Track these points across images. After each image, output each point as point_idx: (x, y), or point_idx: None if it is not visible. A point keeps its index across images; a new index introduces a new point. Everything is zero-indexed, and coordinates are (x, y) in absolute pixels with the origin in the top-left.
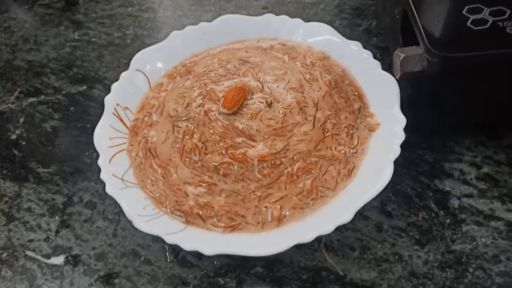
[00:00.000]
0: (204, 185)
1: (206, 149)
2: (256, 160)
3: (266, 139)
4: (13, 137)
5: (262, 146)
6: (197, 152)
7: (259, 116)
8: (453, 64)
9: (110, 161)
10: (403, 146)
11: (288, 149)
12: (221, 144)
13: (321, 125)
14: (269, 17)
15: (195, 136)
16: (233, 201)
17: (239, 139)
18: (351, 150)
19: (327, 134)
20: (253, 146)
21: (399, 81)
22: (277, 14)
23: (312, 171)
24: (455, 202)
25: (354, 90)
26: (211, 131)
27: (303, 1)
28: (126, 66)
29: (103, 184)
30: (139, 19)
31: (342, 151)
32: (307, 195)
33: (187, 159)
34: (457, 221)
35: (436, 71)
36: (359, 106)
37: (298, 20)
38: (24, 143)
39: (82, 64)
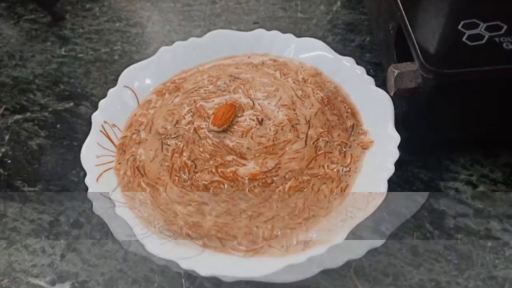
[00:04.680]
0: (193, 204)
1: (195, 168)
2: (246, 178)
3: (257, 157)
4: None
5: (253, 164)
6: (186, 170)
7: (250, 133)
8: (449, 80)
9: (97, 179)
10: (397, 164)
11: (279, 168)
12: (211, 162)
13: (313, 143)
14: (260, 32)
15: (184, 154)
16: (223, 221)
17: (229, 157)
18: (344, 169)
19: (320, 152)
20: (244, 165)
21: (393, 98)
22: (268, 29)
23: (304, 190)
24: (450, 222)
25: (347, 107)
26: (201, 149)
27: (295, 16)
28: (113, 83)
29: (90, 203)
30: (127, 34)
31: (335, 170)
32: (299, 214)
33: (176, 178)
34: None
35: (431, 87)
36: (352, 124)
37: (290, 36)
38: (9, 161)
39: (69, 81)
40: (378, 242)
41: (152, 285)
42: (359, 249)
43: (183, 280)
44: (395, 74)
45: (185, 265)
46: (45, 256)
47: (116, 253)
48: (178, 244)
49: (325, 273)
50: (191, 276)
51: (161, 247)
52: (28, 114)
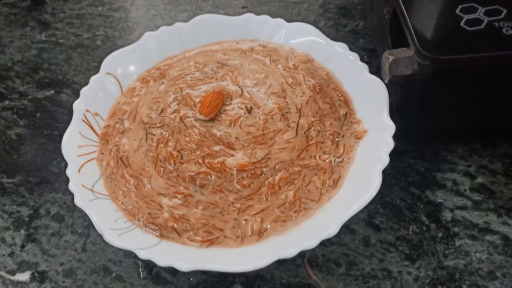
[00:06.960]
0: (179, 196)
1: (181, 158)
2: (235, 169)
3: (246, 147)
4: None
5: (242, 155)
6: (172, 161)
7: (238, 122)
8: (446, 67)
9: (79, 170)
10: (392, 154)
11: (269, 158)
12: (198, 152)
13: (304, 133)
14: (249, 17)
15: (170, 144)
16: (211, 214)
17: (217, 148)
18: (337, 159)
19: (311, 142)
20: (232, 155)
21: (387, 85)
22: (257, 13)
23: (295, 182)
24: (447, 215)
25: (339, 95)
26: (187, 138)
27: (285, 0)
28: (96, 70)
29: (71, 195)
30: (110, 19)
31: (327, 160)
32: (290, 207)
33: (162, 169)
34: (450, 235)
35: (428, 74)
36: (345, 112)
37: (280, 20)
38: None
39: (49, 67)
40: (331, 233)
41: (110, 275)
42: (313, 239)
43: (140, 269)
44: (390, 60)
45: (143, 255)
46: (5, 246)
47: (75, 243)
48: (136, 234)
49: (280, 263)
50: (148, 266)
51: (119, 238)
52: (7, 102)
